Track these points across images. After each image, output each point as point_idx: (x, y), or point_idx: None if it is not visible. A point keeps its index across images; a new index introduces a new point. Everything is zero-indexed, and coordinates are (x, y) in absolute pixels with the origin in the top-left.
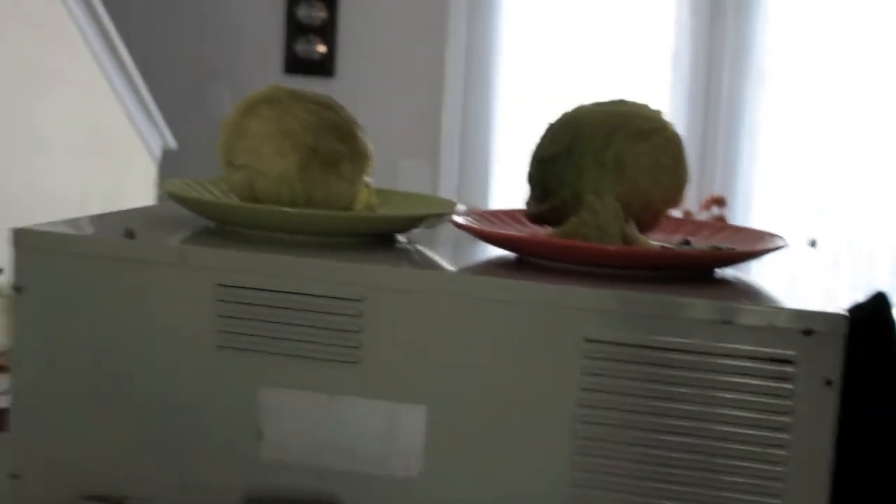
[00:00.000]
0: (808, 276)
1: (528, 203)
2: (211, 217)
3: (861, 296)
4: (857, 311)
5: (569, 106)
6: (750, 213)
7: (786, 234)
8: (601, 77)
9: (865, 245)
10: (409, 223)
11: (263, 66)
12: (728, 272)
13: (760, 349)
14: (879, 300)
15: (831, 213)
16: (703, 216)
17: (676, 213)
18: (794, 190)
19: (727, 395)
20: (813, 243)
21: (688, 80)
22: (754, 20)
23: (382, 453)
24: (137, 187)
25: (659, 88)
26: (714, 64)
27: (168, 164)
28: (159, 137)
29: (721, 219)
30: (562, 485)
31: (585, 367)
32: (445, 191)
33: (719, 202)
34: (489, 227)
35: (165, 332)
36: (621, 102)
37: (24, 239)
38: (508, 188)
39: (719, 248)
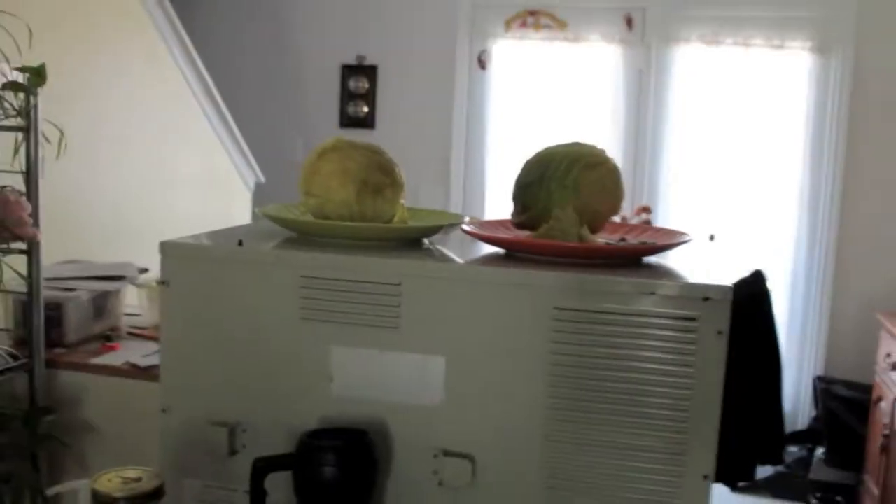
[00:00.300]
0: (709, 262)
1: (513, 215)
2: (294, 230)
3: (746, 273)
4: (743, 283)
5: (540, 147)
6: (668, 217)
7: (691, 231)
8: (564, 126)
9: (749, 238)
10: (431, 231)
11: (326, 122)
12: (653, 260)
13: (674, 311)
14: (758, 276)
15: (724, 216)
16: (634, 221)
17: (616, 219)
18: (697, 200)
19: (652, 343)
20: (712, 237)
21: (623, 128)
22: (669, 82)
23: (415, 390)
24: (239, 211)
25: (605, 134)
26: (641, 116)
27: (258, 194)
28: (253, 175)
29: (647, 222)
30: (540, 408)
31: (555, 327)
32: (454, 207)
33: (646, 210)
34: (486, 232)
35: (266, 310)
36: (577, 144)
37: (167, 248)
38: (498, 204)
39: (645, 244)
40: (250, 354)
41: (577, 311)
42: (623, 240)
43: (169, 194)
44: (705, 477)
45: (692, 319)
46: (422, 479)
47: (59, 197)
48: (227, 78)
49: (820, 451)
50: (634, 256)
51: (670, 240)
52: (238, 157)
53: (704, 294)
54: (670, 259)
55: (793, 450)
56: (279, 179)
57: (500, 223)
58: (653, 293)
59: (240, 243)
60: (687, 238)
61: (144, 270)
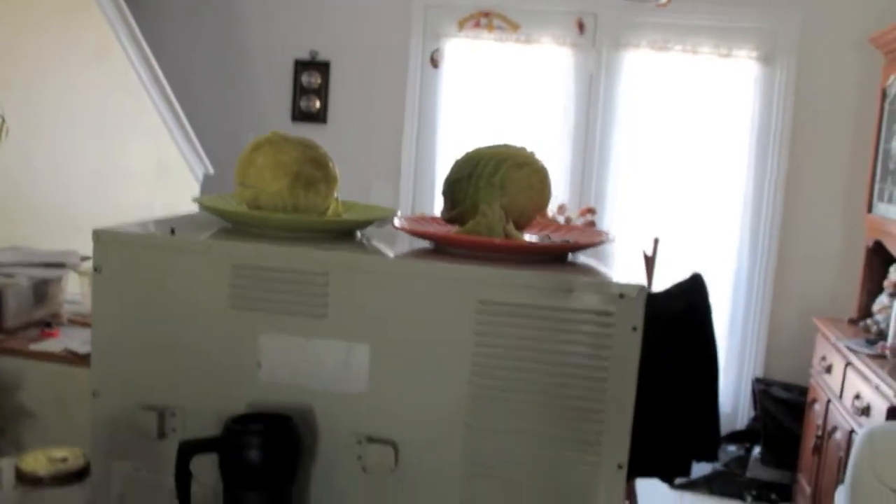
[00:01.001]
0: (641, 263)
1: (443, 211)
2: (229, 220)
3: (686, 274)
4: (681, 285)
5: (472, 146)
6: (614, 219)
7: (632, 233)
8: (514, 126)
9: (693, 242)
10: (361, 224)
11: (278, 116)
12: (578, 258)
13: (591, 307)
14: (696, 279)
15: (670, 219)
16: (579, 221)
17: (560, 219)
18: (644, 203)
19: (571, 337)
20: (656, 240)
21: (573, 129)
22: (618, 86)
23: (341, 377)
24: (187, 202)
25: (555, 135)
26: (591, 118)
27: (208, 186)
28: (202, 166)
29: (591, 223)
30: (462, 397)
31: (479, 319)
32: (404, 204)
33: (591, 211)
34: (417, 227)
35: (196, 298)
36: (506, 145)
37: (100, 235)
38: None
39: (567, 242)
40: (181, 341)
41: (499, 305)
42: (547, 237)
43: (116, 184)
44: (619, 466)
45: (608, 314)
46: (346, 464)
47: (1, 184)
48: (179, 70)
49: (757, 450)
50: (556, 253)
51: (591, 239)
52: (187, 149)
53: (620, 291)
54: (595, 259)
55: (731, 449)
56: (230, 172)
57: (432, 219)
58: (571, 290)
59: (172, 232)
60: (606, 238)
61: (87, 258)
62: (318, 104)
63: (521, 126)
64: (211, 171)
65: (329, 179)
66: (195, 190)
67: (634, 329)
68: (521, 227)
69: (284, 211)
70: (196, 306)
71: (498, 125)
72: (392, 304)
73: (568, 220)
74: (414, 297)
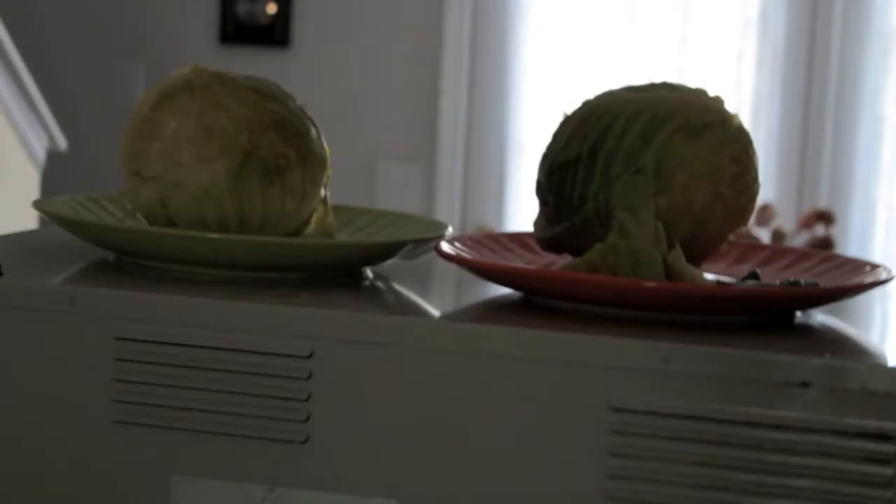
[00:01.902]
0: None
1: (539, 224)
2: (109, 246)
3: None
4: None
5: (598, 89)
6: (871, 232)
7: None
8: (653, 50)
9: None
10: (378, 252)
11: (192, 36)
12: (814, 317)
13: (848, 421)
14: None
15: None
16: (801, 238)
17: (762, 231)
18: None
19: (802, 484)
20: None
21: (781, 50)
22: None
23: None
24: (12, 203)
25: (739, 63)
26: (819, 26)
27: (56, 172)
28: (45, 138)
29: (827, 242)
30: None
31: (612, 444)
32: (444, 205)
33: (826, 218)
34: (486, 256)
35: (45, 403)
36: (665, 87)
37: None
38: (531, 201)
39: (797, 284)
40: (23, 481)
41: (654, 416)
42: (755, 276)
43: None
44: None
45: (887, 438)
46: None
47: None
48: None
49: None
50: (774, 310)
51: (848, 279)
52: (15, 102)
53: None
54: (842, 318)
55: None
56: (97, 146)
57: (515, 239)
58: (807, 384)
59: None
60: (882, 276)
61: None
62: (271, 10)
63: (671, 50)
64: (62, 146)
65: (310, 162)
66: (32, 181)
67: None
68: (700, 255)
69: (222, 226)
70: (44, 422)
71: (627, 50)
72: (439, 416)
73: (779, 235)
74: (485, 401)
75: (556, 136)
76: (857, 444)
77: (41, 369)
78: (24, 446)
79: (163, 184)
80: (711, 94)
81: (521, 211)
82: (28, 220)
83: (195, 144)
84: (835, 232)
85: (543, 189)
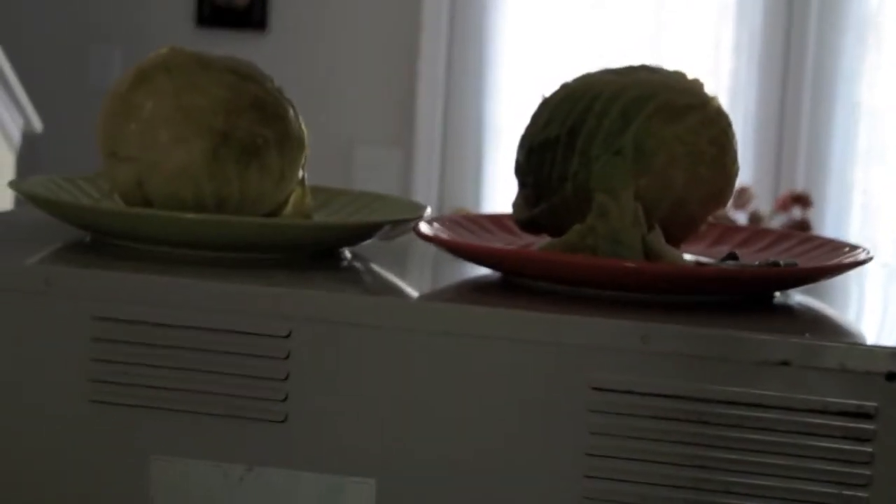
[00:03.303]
0: None
1: (518, 205)
2: (86, 226)
3: None
4: None
5: (576, 72)
6: (847, 215)
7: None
8: (632, 31)
9: None
10: (357, 233)
11: (168, 18)
12: (792, 297)
13: (828, 399)
14: None
15: None
16: (778, 221)
17: (739, 214)
18: None
19: (782, 462)
20: None
21: (759, 32)
22: None
23: None
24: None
25: (716, 48)
26: (797, 12)
27: (32, 153)
28: (20, 118)
29: (804, 224)
30: None
31: (593, 424)
32: (422, 188)
33: (802, 201)
34: (464, 237)
35: (22, 383)
36: (645, 69)
37: None
38: (508, 184)
39: (776, 264)
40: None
41: (635, 396)
42: (733, 256)
43: None
44: None
45: (866, 416)
46: None
47: None
48: None
49: None
50: (753, 291)
51: (828, 259)
52: None
53: (890, 367)
54: (828, 297)
55: None
56: (73, 127)
57: (493, 220)
58: (786, 363)
59: None
60: (861, 257)
61: None
62: None
63: (649, 32)
64: (38, 127)
65: (287, 143)
66: (7, 162)
67: None
68: (679, 236)
69: (198, 207)
70: (23, 401)
71: (606, 31)
72: (419, 395)
73: (756, 217)
74: (464, 380)
75: (535, 117)
76: (837, 422)
77: (18, 350)
78: (0, 426)
79: (139, 164)
80: (690, 76)
81: (499, 193)
82: (3, 201)
83: (172, 125)
84: (811, 215)
85: (522, 170)
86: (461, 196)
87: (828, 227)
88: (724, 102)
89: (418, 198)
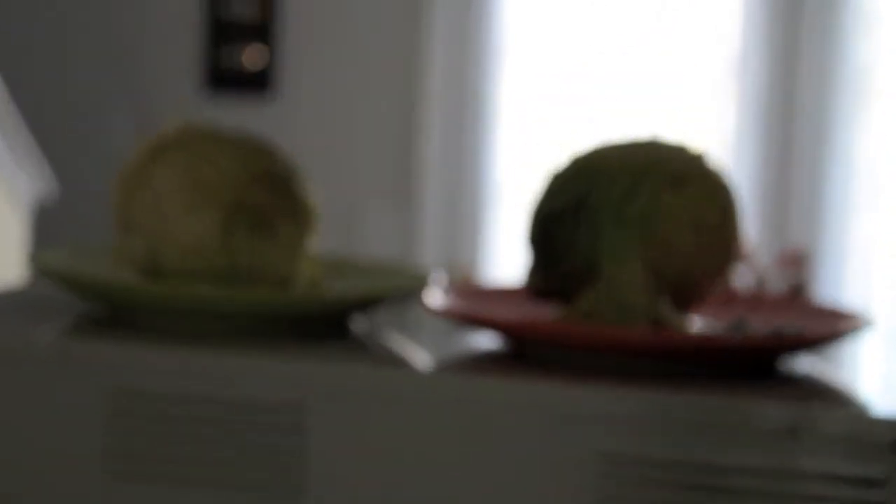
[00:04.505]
0: None
1: (530, 273)
2: (100, 300)
3: None
4: None
5: (588, 138)
6: (842, 272)
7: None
8: (638, 93)
9: None
10: (366, 303)
11: (177, 82)
12: (800, 364)
13: (837, 467)
14: None
15: None
16: (780, 278)
17: (746, 276)
18: None
19: None
20: None
21: (759, 90)
22: (844, 12)
23: None
24: (1, 254)
25: (719, 101)
26: (790, 70)
27: (47, 221)
28: (35, 181)
29: (797, 289)
30: None
31: (602, 491)
32: (425, 245)
33: (798, 263)
34: (474, 306)
35: (37, 457)
36: (652, 144)
37: None
38: (511, 241)
39: (781, 333)
40: None
41: (644, 465)
42: (740, 324)
43: None
44: None
45: (870, 483)
46: None
47: None
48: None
49: None
50: (759, 358)
51: (828, 327)
52: (10, 159)
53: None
54: (823, 364)
55: None
56: (91, 194)
57: (500, 291)
58: (794, 430)
59: None
60: (855, 324)
61: None
62: (256, 56)
63: (654, 93)
64: (54, 193)
65: (298, 214)
66: (16, 233)
67: None
68: (685, 303)
69: (212, 277)
70: (35, 476)
71: (612, 94)
72: (433, 465)
73: (758, 276)
74: (476, 450)
75: (546, 190)
76: (847, 490)
77: (33, 423)
78: (15, 501)
79: (152, 237)
80: (693, 149)
81: (501, 250)
82: (11, 275)
83: (183, 198)
84: (809, 272)
85: (533, 240)
86: (464, 252)
87: (827, 283)
88: (727, 158)
89: (421, 254)
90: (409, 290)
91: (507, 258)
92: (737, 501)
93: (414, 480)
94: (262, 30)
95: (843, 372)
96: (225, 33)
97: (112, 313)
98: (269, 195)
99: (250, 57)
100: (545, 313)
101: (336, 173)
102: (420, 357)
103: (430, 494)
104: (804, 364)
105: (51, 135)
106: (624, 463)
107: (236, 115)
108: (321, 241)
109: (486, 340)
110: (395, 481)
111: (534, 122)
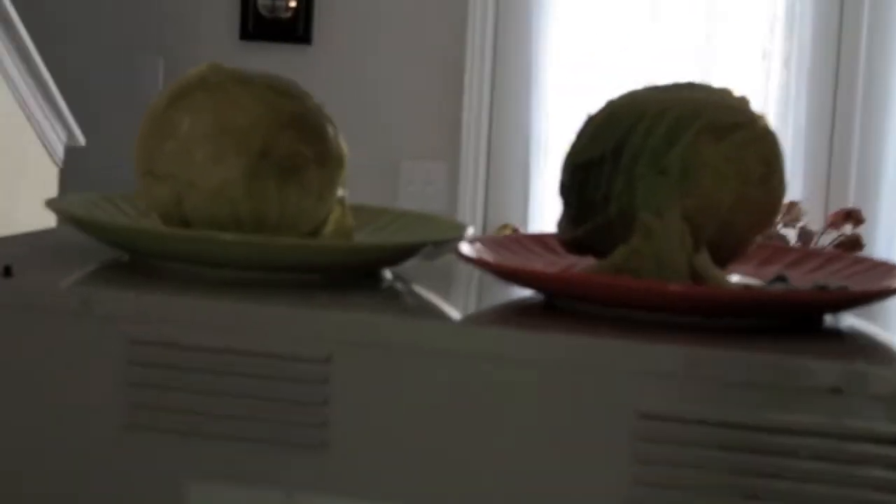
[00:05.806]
0: None
1: (562, 224)
2: (123, 247)
3: None
4: None
5: (623, 89)
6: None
7: None
8: (678, 49)
9: None
10: (398, 253)
11: (212, 31)
12: (843, 321)
13: (880, 427)
14: None
15: None
16: (829, 237)
17: (788, 231)
18: None
19: (832, 492)
20: None
21: (809, 50)
22: None
23: None
24: (30, 202)
25: (765, 60)
26: (847, 22)
27: (75, 168)
28: (63, 133)
29: (855, 241)
30: None
31: (639, 452)
32: (467, 203)
33: (854, 218)
34: (508, 257)
35: (57, 406)
36: (691, 87)
37: None
38: (554, 199)
39: (825, 287)
40: (35, 485)
41: (683, 424)
42: (782, 279)
43: None
44: None
45: None
46: None
47: None
48: None
49: None
50: (803, 314)
51: (881, 282)
52: (32, 97)
53: None
54: (875, 323)
55: None
56: (120, 141)
57: (537, 240)
58: (838, 390)
59: (6, 272)
60: None
61: None
62: (293, 3)
63: (699, 47)
64: (81, 141)
65: (327, 162)
66: (51, 178)
67: None
68: (726, 257)
69: (237, 227)
70: (56, 425)
71: (654, 44)
72: (459, 421)
73: (806, 233)
74: (505, 406)
75: (580, 135)
76: (890, 450)
77: (53, 372)
78: (35, 449)
79: (177, 183)
80: (737, 94)
81: (545, 209)
82: (48, 217)
83: (210, 143)
84: (863, 231)
85: (566, 189)
86: (507, 211)
87: (880, 243)
88: (773, 116)
89: (464, 212)
90: (442, 241)
91: (551, 218)
92: (778, 461)
93: (442, 435)
94: None
95: (890, 330)
96: None
97: (135, 260)
98: (297, 141)
99: (284, 6)
100: (580, 264)
101: (377, 124)
102: (451, 309)
103: (457, 449)
104: (849, 322)
105: (80, 85)
106: (661, 421)
107: (275, 66)
108: (361, 193)
109: (519, 293)
110: (423, 435)
111: (580, 78)
